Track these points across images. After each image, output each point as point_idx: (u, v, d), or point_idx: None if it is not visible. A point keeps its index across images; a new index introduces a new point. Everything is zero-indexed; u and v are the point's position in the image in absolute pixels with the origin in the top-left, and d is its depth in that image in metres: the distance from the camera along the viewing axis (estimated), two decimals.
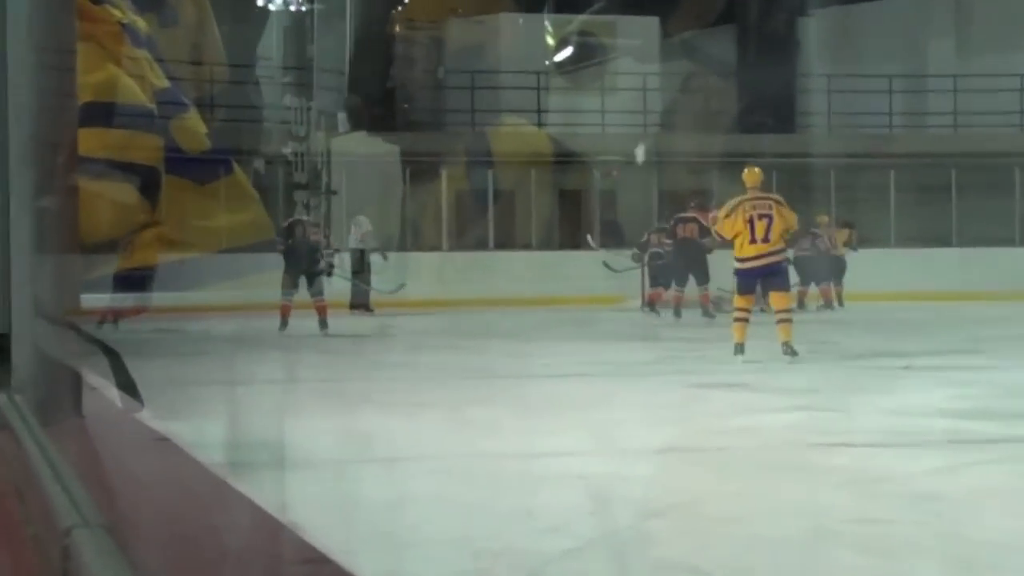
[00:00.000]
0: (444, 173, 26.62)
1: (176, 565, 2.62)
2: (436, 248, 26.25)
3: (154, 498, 3.31)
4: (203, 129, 20.99)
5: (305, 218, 18.88)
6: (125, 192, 17.84)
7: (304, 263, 17.30)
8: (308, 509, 4.88)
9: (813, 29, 29.56)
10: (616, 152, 27.01)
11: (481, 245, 25.99)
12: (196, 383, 10.50)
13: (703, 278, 19.28)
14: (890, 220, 26.08)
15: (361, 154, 26.49)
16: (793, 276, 16.75)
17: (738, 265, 12.60)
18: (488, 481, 6.26)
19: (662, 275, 20.31)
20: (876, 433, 7.74)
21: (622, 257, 21.88)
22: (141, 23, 20.08)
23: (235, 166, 21.54)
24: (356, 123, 27.95)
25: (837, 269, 21.88)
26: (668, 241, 19.95)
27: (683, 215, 19.75)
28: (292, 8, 27.95)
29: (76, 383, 4.49)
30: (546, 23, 29.37)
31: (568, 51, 29.40)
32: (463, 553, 4.78)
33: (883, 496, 5.90)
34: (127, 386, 4.27)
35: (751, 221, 12.32)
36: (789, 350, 12.11)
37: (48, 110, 4.93)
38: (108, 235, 17.16)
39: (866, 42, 28.27)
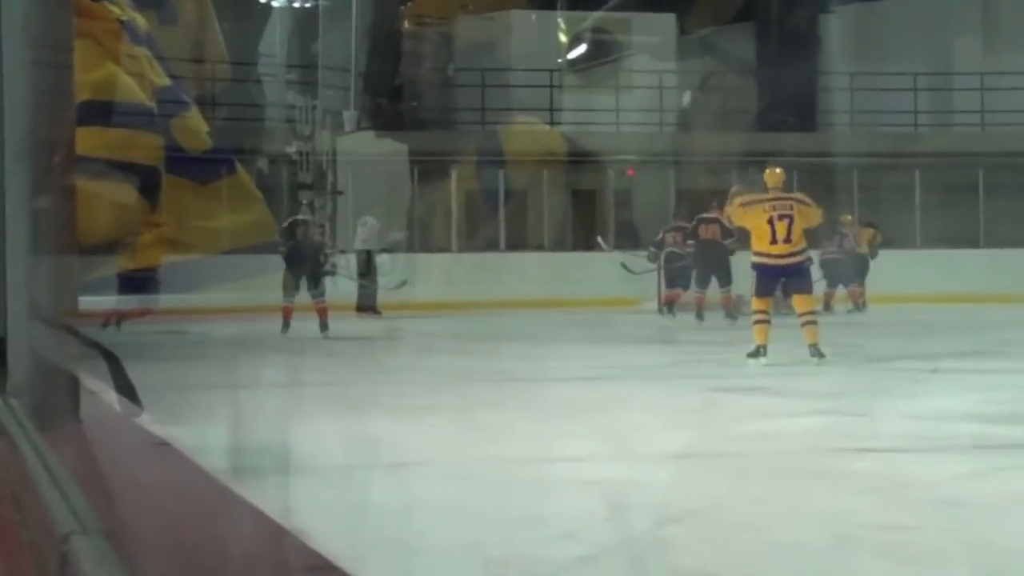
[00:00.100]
0: (454, 173, 26.64)
1: (177, 573, 2.62)
2: (445, 249, 26.25)
3: (154, 504, 3.31)
4: (204, 128, 21.06)
5: (306, 217, 18.84)
6: (124, 192, 17.89)
7: (306, 264, 17.28)
8: (313, 515, 4.89)
9: (835, 25, 29.49)
10: (631, 151, 27.02)
11: (492, 246, 25.98)
12: (197, 386, 10.50)
13: (726, 279, 19.24)
14: (915, 221, 26.05)
15: (368, 153, 26.50)
16: (818, 277, 16.74)
17: (755, 259, 12.61)
18: (499, 486, 6.25)
19: (680, 276, 20.30)
20: (900, 438, 7.73)
21: (639, 259, 21.84)
22: (140, 20, 20.16)
23: (237, 166, 21.61)
24: (376, 123, 27.95)
25: (861, 269, 21.85)
26: (690, 242, 19.92)
27: (705, 215, 19.68)
28: (296, 5, 28.03)
29: (74, 387, 4.49)
30: (559, 19, 29.41)
31: (582, 48, 29.43)
32: (473, 560, 4.78)
33: (907, 502, 5.89)
34: (126, 390, 4.27)
35: (771, 222, 12.34)
36: (817, 352, 12.10)
37: (45, 108, 4.93)
38: (107, 236, 17.20)
39: (890, 39, 28.22)
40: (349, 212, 24.72)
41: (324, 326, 16.83)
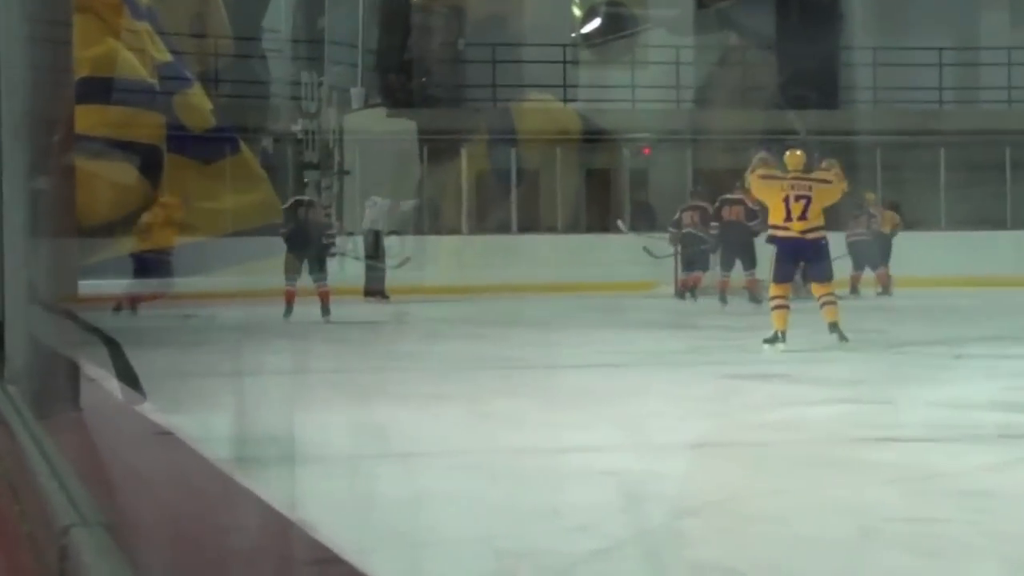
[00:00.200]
0: (464, 152, 26.63)
1: (179, 566, 2.63)
2: (456, 231, 26.25)
3: (156, 495, 3.32)
4: (207, 105, 21.08)
5: (309, 198, 18.80)
6: (125, 172, 17.94)
7: (309, 246, 17.22)
8: (319, 507, 4.89)
9: None
10: (647, 129, 26.99)
11: (503, 228, 25.96)
12: (200, 373, 10.51)
13: (750, 262, 19.12)
14: (940, 201, 26.01)
15: (376, 132, 26.48)
16: (841, 255, 16.68)
17: (772, 232, 12.68)
18: (511, 477, 6.25)
19: (699, 260, 20.26)
20: (923, 427, 7.71)
21: (660, 241, 21.76)
22: None
23: (241, 144, 21.63)
24: (384, 100, 27.89)
25: (886, 251, 21.79)
26: (714, 224, 19.85)
27: (729, 196, 19.59)
28: None
29: (73, 374, 4.51)
30: None
31: (596, 22, 29.37)
32: (484, 553, 4.78)
33: (932, 493, 5.88)
34: (127, 377, 4.28)
35: (787, 200, 12.39)
36: (837, 331, 12.11)
37: (43, 85, 4.94)
38: (107, 217, 17.26)
39: (914, 13, 28.12)
40: (356, 192, 24.72)
41: (326, 311, 16.78)
